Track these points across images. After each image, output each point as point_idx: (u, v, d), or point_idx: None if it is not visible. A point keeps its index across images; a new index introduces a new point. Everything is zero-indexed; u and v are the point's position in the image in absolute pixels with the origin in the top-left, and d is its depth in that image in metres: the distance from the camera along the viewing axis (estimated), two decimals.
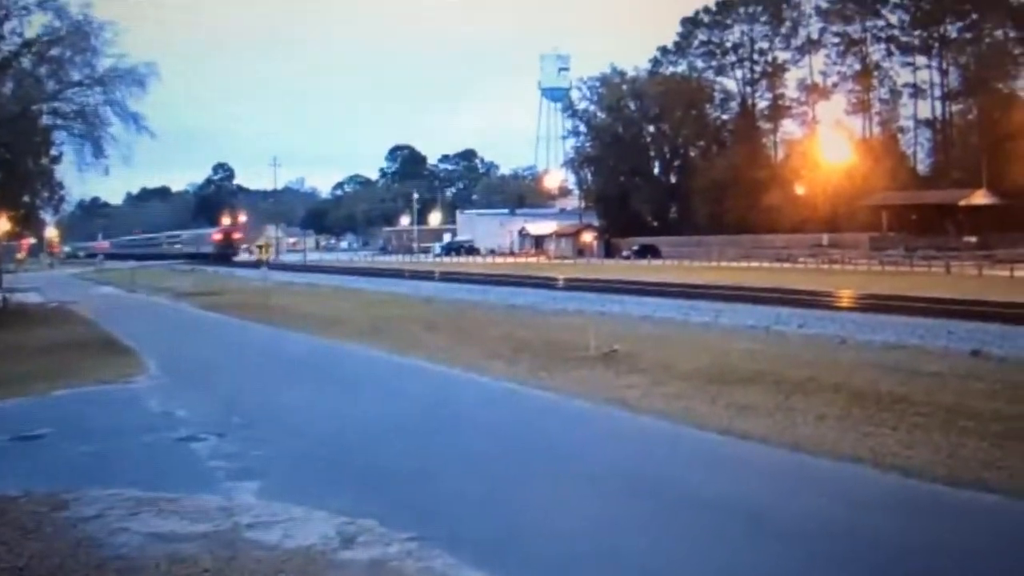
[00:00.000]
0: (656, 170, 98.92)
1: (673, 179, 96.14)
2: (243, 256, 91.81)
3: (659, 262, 74.37)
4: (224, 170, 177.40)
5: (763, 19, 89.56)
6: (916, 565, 7.08)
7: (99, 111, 40.01)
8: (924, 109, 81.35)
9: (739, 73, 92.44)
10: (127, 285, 56.19)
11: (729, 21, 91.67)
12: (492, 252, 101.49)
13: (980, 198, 66.05)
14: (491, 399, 14.74)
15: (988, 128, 69.13)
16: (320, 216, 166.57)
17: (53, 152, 42.91)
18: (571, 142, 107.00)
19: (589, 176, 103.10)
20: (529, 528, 8.05)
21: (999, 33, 74.26)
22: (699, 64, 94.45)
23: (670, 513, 8.40)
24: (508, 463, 10.39)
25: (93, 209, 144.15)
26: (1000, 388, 13.62)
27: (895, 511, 8.27)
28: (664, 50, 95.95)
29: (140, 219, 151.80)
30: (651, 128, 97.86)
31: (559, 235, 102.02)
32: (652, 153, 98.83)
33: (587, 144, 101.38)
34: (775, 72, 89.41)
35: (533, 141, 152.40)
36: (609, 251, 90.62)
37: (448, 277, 54.74)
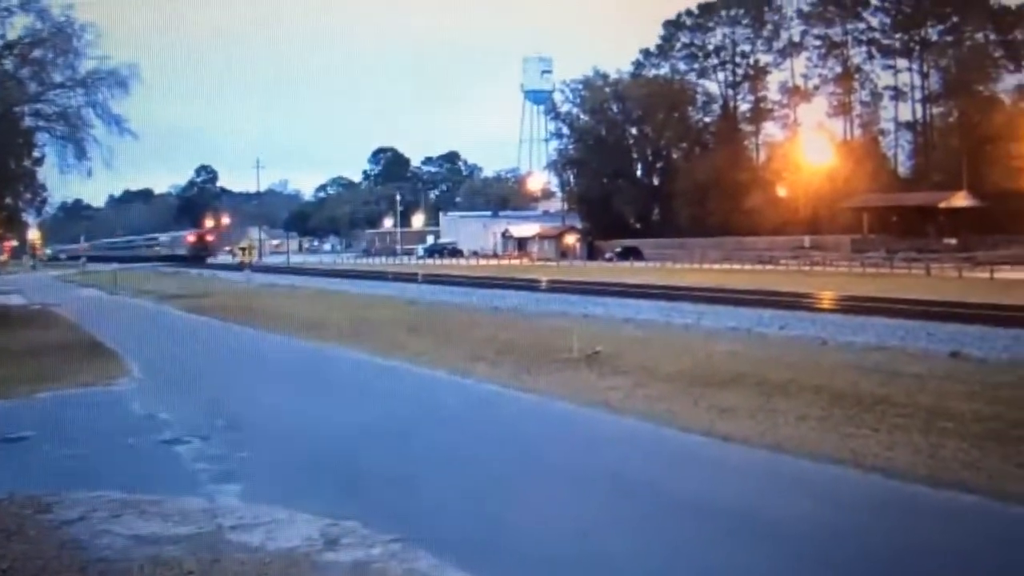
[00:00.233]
0: (639, 172, 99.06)
1: (656, 181, 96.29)
2: (225, 258, 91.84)
3: (642, 264, 74.46)
4: (207, 172, 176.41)
5: (745, 22, 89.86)
6: (899, 565, 7.15)
7: (81, 113, 39.88)
8: (905, 112, 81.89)
9: (721, 76, 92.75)
10: (110, 287, 55.87)
11: (711, 24, 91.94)
12: (475, 254, 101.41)
13: (960, 200, 66.45)
14: (474, 401, 14.76)
15: (968, 131, 69.56)
16: (303, 218, 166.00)
17: (35, 154, 42.66)
18: (554, 144, 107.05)
19: (572, 178, 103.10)
20: (513, 530, 8.08)
21: (980, 36, 74.75)
22: (681, 67, 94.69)
23: (654, 515, 8.44)
24: (491, 465, 10.41)
25: (76, 211, 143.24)
26: (980, 389, 13.71)
27: (877, 512, 8.34)
28: (647, 53, 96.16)
29: (123, 221, 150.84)
30: (634, 130, 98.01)
31: (542, 237, 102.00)
32: (635, 155, 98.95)
33: (570, 146, 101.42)
34: (757, 75, 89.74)
35: (516, 143, 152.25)
36: (592, 253, 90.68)
37: (431, 279, 54.68)
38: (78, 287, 60.97)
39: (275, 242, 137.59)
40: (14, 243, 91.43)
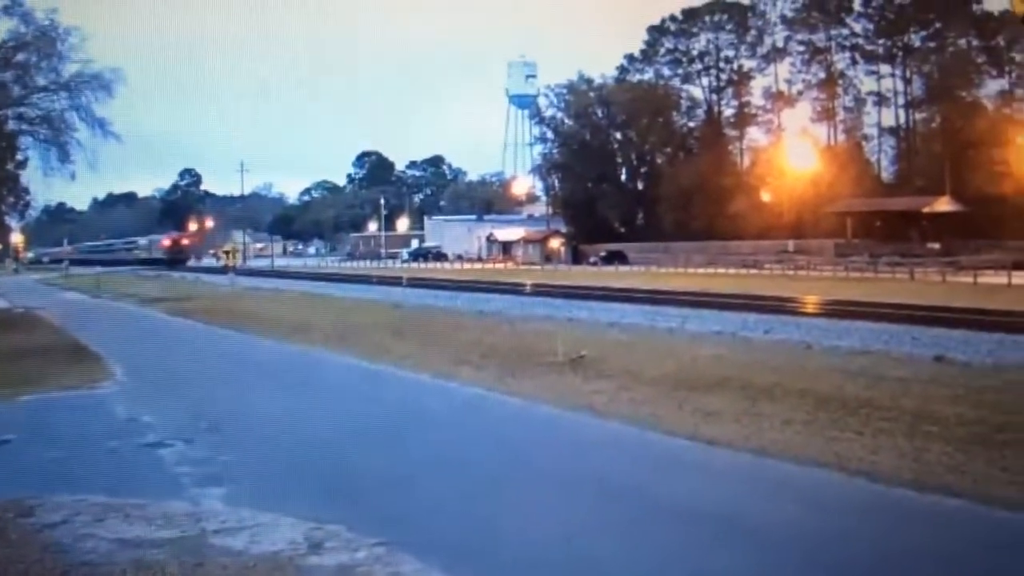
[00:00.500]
0: (623, 177, 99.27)
1: (640, 186, 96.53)
2: (210, 261, 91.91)
3: (626, 268, 74.56)
4: (191, 176, 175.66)
5: (729, 28, 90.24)
6: (885, 569, 7.16)
7: (65, 116, 39.87)
8: (888, 117, 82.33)
9: (705, 81, 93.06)
10: (93, 291, 55.59)
11: (695, 29, 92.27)
12: (460, 258, 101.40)
13: (944, 205, 66.84)
14: (458, 405, 14.74)
15: (951, 136, 70.01)
16: (288, 222, 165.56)
17: (19, 157, 42.49)
18: (538, 149, 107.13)
19: (556, 182, 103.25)
20: (498, 533, 8.06)
21: (962, 42, 75.26)
22: (666, 72, 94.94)
23: (639, 519, 8.43)
24: (476, 469, 10.39)
25: (59, 215, 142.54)
26: (964, 393, 13.77)
27: (863, 516, 8.35)
28: (631, 58, 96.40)
29: (106, 225, 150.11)
30: (618, 135, 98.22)
31: (527, 241, 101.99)
32: (619, 160, 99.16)
33: (554, 151, 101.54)
34: (741, 80, 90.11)
35: (501, 148, 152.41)
36: (577, 257, 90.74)
37: (416, 283, 54.59)
38: (61, 290, 60.63)
39: (259, 245, 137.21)
40: None
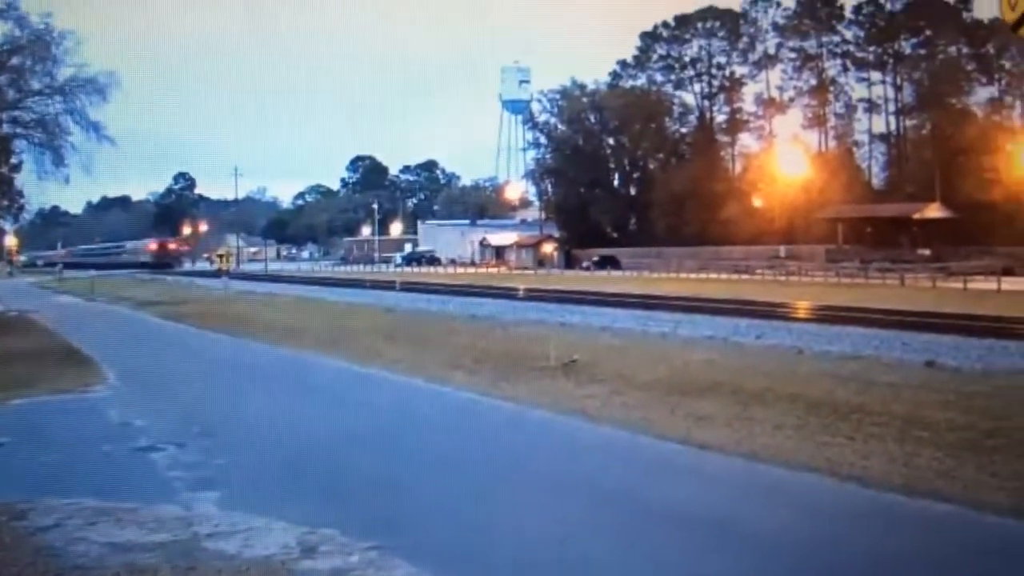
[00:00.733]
0: (616, 182, 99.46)
1: (633, 191, 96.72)
2: (203, 265, 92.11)
3: (619, 273, 74.68)
4: (185, 180, 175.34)
5: (721, 34, 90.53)
6: (876, 574, 7.20)
7: (59, 120, 39.88)
8: (879, 124, 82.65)
9: (697, 87, 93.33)
10: (87, 294, 55.47)
11: (687, 36, 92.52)
12: (453, 262, 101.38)
13: (934, 211, 67.09)
14: (452, 409, 14.75)
15: (941, 143, 70.29)
16: (281, 226, 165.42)
17: (13, 160, 42.45)
18: (532, 154, 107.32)
19: (550, 187, 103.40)
20: (491, 537, 8.08)
21: (952, 49, 75.57)
22: (658, 78, 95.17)
23: (631, 523, 8.45)
24: (469, 473, 10.41)
25: (53, 218, 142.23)
26: (954, 399, 13.82)
27: (853, 521, 8.38)
28: (624, 64, 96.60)
29: (100, 228, 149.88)
30: (611, 140, 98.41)
31: (520, 246, 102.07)
32: (612, 165, 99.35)
33: (547, 156, 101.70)
34: (733, 86, 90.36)
35: (494, 153, 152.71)
36: (569, 262, 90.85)
37: (409, 287, 54.56)
38: (55, 293, 60.53)
39: (253, 249, 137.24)
40: None
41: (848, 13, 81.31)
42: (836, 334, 24.00)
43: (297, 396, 16.42)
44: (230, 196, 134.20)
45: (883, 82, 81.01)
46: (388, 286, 56.34)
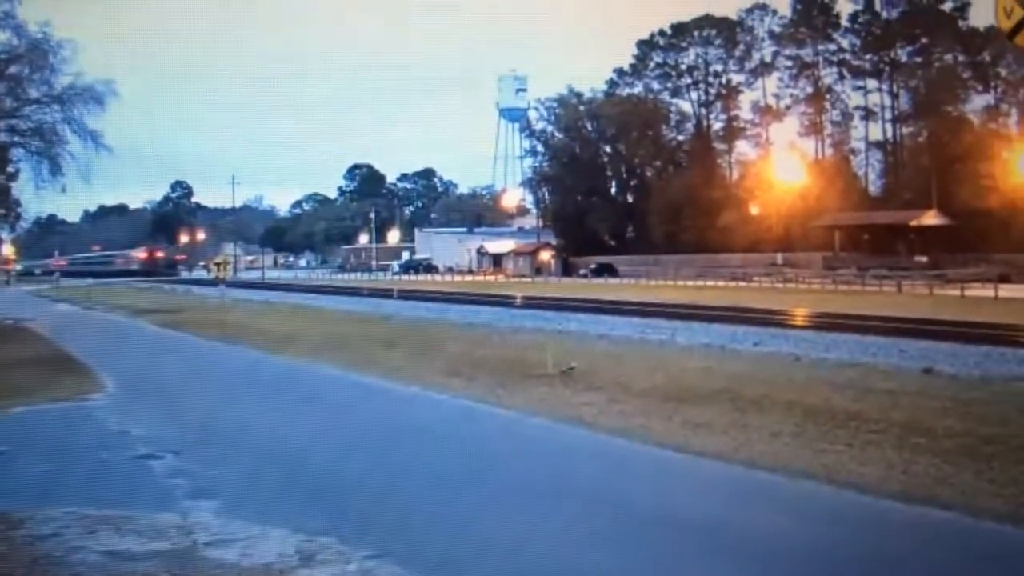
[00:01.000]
0: (613, 190, 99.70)
1: (630, 199, 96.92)
2: (200, 273, 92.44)
3: (616, 281, 74.76)
4: (182, 188, 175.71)
5: (717, 42, 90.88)
6: None
7: (57, 128, 39.92)
8: (875, 131, 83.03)
9: (694, 95, 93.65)
10: (84, 302, 55.47)
11: (684, 44, 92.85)
12: (450, 270, 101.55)
13: (930, 219, 67.25)
14: (449, 417, 14.74)
15: (938, 150, 70.50)
16: (279, 234, 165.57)
17: (10, 169, 42.49)
18: (529, 162, 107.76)
19: (547, 195, 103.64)
20: (488, 546, 8.07)
21: (948, 57, 75.87)
22: (655, 86, 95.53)
23: (629, 531, 8.43)
24: (466, 481, 10.39)
25: (50, 226, 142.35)
26: (952, 405, 13.81)
27: (850, 528, 8.37)
28: (620, 72, 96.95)
29: (97, 237, 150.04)
30: (608, 148, 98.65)
31: (517, 253, 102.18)
32: (609, 173, 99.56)
33: (545, 164, 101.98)
34: (729, 94, 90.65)
35: (491, 161, 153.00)
36: (567, 270, 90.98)
37: (406, 295, 54.65)
38: (52, 302, 60.56)
39: (250, 257, 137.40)
40: None
41: (844, 21, 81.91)
42: (833, 341, 24.04)
43: (294, 404, 16.39)
44: (227, 204, 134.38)
45: (879, 90, 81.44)
46: (385, 294, 56.39)
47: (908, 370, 18.46)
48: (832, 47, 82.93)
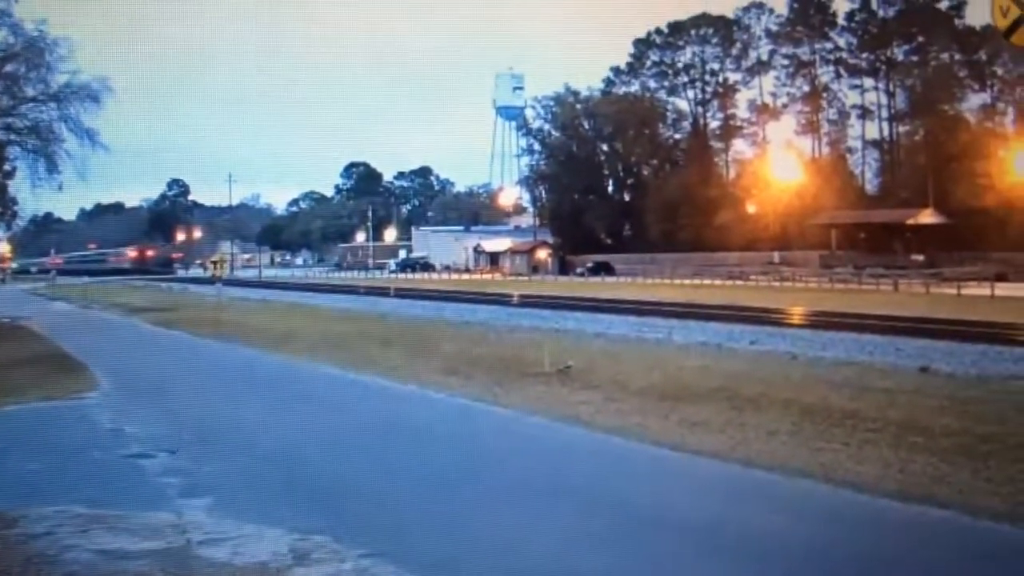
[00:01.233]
0: (610, 188, 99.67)
1: (627, 197, 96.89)
2: (197, 271, 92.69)
3: (613, 279, 74.76)
4: (179, 186, 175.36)
5: (714, 41, 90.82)
6: None
7: (53, 127, 39.93)
8: (872, 130, 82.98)
9: (691, 93, 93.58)
10: (80, 301, 55.41)
11: (681, 43, 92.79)
12: (447, 269, 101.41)
13: (927, 217, 67.32)
14: (445, 416, 14.72)
15: (934, 149, 70.53)
16: (275, 232, 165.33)
17: (6, 167, 42.47)
18: (526, 160, 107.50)
19: (544, 194, 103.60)
20: (484, 545, 8.05)
21: (945, 56, 75.89)
22: (652, 84, 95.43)
23: (626, 530, 8.41)
24: (463, 480, 10.37)
25: (46, 225, 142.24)
26: (948, 404, 13.83)
27: (848, 526, 8.37)
28: (617, 70, 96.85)
29: (94, 235, 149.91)
30: (605, 147, 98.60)
31: (514, 252, 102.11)
32: (606, 171, 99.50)
33: (541, 162, 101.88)
34: (726, 93, 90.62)
35: (488, 159, 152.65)
36: (564, 268, 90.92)
37: (403, 293, 54.61)
38: (48, 300, 60.48)
39: (247, 256, 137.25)
40: None
41: (841, 20, 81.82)
42: (830, 340, 24.05)
43: (290, 403, 16.36)
44: (224, 202, 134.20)
45: (876, 88, 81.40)
46: (382, 292, 56.36)
47: (905, 369, 18.48)
48: (829, 46, 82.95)
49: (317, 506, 9.27)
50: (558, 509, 9.11)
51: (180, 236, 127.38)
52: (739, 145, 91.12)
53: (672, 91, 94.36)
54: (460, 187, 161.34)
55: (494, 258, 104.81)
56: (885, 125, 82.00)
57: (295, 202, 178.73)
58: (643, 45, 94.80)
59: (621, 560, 7.56)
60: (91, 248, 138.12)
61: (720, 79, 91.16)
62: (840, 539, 8.00)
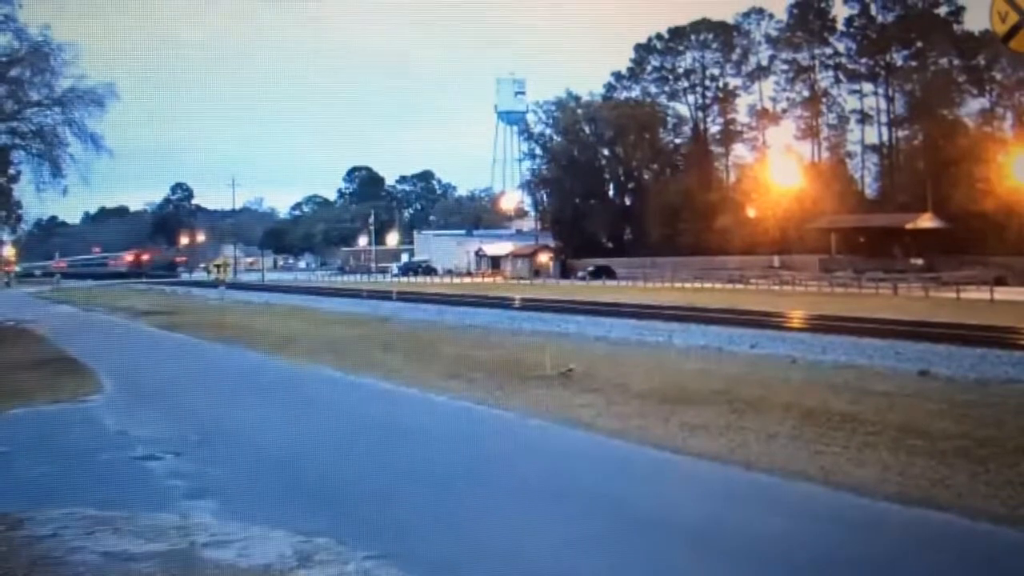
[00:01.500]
0: (611, 192, 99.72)
1: (628, 201, 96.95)
2: (200, 275, 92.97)
3: (614, 283, 74.78)
4: (183, 190, 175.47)
5: (714, 46, 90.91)
6: None
7: (58, 131, 40.02)
8: (871, 135, 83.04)
9: (691, 98, 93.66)
10: (84, 304, 55.46)
11: (681, 48, 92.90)
12: (449, 272, 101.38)
13: (926, 221, 67.35)
14: (447, 419, 14.78)
15: (933, 154, 70.61)
16: (278, 236, 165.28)
17: (11, 171, 42.58)
18: (527, 164, 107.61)
19: (545, 198, 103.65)
20: (486, 547, 8.10)
21: (943, 61, 75.95)
22: (652, 89, 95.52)
23: (627, 533, 8.46)
24: (465, 483, 10.42)
25: (50, 228, 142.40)
26: (948, 407, 13.86)
27: (848, 529, 8.41)
28: (618, 75, 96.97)
29: (98, 239, 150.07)
30: (606, 151, 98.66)
31: (515, 256, 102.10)
32: (607, 176, 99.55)
33: (543, 166, 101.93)
34: (726, 98, 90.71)
35: (490, 163, 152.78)
36: (565, 272, 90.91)
37: (405, 297, 54.61)
38: (52, 303, 60.50)
39: (250, 259, 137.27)
40: None
41: (840, 25, 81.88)
42: (830, 343, 24.08)
43: (293, 405, 16.42)
44: (227, 206, 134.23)
45: (875, 93, 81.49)
46: (385, 296, 56.36)
47: (904, 372, 18.50)
48: (828, 51, 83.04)
49: (320, 508, 9.33)
50: (560, 511, 9.16)
51: (184, 240, 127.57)
52: (739, 150, 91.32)
53: (673, 96, 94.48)
54: (462, 191, 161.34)
55: (496, 262, 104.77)
56: (884, 130, 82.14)
57: (298, 206, 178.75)
58: (644, 50, 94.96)
59: (621, 563, 7.62)
60: (95, 252, 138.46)
61: (720, 84, 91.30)
62: (840, 542, 8.04)
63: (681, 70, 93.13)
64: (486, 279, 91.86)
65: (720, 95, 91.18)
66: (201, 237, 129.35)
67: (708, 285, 62.46)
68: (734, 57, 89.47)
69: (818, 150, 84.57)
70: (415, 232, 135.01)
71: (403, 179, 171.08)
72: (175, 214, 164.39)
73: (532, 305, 43.07)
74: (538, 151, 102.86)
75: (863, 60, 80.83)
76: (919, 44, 76.86)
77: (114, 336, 34.68)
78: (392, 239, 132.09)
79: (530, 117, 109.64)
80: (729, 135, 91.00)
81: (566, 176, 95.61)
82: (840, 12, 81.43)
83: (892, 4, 78.42)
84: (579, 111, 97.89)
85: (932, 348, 22.18)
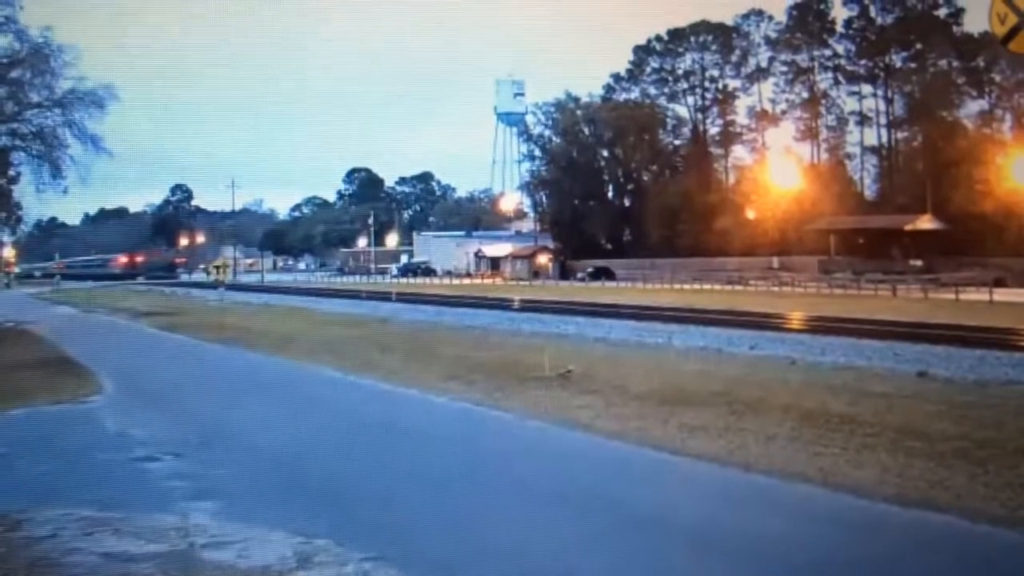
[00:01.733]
0: (610, 194, 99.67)
1: (627, 203, 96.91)
2: (200, 276, 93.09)
3: (613, 284, 74.75)
4: (182, 191, 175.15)
5: (713, 48, 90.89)
6: None
7: (58, 132, 40.01)
8: (870, 136, 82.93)
9: (690, 100, 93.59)
10: (84, 305, 55.42)
11: (681, 49, 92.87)
12: (449, 273, 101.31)
13: (925, 223, 67.33)
14: (446, 420, 14.78)
15: (932, 155, 70.57)
16: (278, 237, 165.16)
17: (11, 173, 42.59)
18: (526, 166, 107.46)
19: (544, 199, 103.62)
20: (485, 547, 8.10)
21: (943, 63, 75.92)
22: (652, 91, 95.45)
23: (625, 533, 8.48)
24: (464, 484, 10.43)
25: (50, 229, 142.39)
26: (946, 409, 13.86)
27: (847, 530, 8.42)
28: (617, 77, 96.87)
29: (97, 240, 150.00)
30: (605, 153, 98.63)
31: (515, 257, 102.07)
32: (606, 177, 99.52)
33: (542, 168, 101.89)
34: (726, 99, 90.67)
35: (489, 164, 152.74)
36: (564, 273, 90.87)
37: (404, 298, 54.58)
38: (53, 304, 60.44)
39: (249, 260, 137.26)
40: None
41: (839, 27, 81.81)
42: (829, 345, 24.06)
43: (293, 406, 16.42)
44: (227, 208, 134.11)
45: (874, 95, 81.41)
46: (384, 297, 56.32)
47: (903, 374, 18.50)
48: (827, 52, 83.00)
49: (319, 509, 9.33)
50: (559, 512, 9.17)
51: (183, 241, 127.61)
52: (738, 151, 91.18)
53: (672, 97, 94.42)
54: (461, 192, 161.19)
55: (495, 263, 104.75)
56: (883, 131, 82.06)
57: (297, 207, 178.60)
58: (643, 52, 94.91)
59: (620, 563, 7.62)
60: (93, 254, 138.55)
61: (719, 86, 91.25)
62: (839, 543, 8.05)
63: (680, 72, 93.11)
64: (485, 280, 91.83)
65: (719, 97, 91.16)
66: (201, 238, 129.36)
67: (707, 286, 62.43)
68: (733, 59, 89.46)
69: (817, 152, 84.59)
70: (414, 233, 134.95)
71: (402, 180, 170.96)
72: (175, 215, 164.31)
73: (531, 306, 43.04)
74: (537, 152, 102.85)
75: (862, 62, 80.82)
76: (918, 46, 76.84)
77: (114, 337, 34.65)
78: (391, 240, 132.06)
79: (529, 118, 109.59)
80: (728, 136, 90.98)
81: (565, 177, 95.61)
82: (839, 14, 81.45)
83: (891, 6, 78.42)
84: (578, 112, 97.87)
85: (931, 349, 22.17)
